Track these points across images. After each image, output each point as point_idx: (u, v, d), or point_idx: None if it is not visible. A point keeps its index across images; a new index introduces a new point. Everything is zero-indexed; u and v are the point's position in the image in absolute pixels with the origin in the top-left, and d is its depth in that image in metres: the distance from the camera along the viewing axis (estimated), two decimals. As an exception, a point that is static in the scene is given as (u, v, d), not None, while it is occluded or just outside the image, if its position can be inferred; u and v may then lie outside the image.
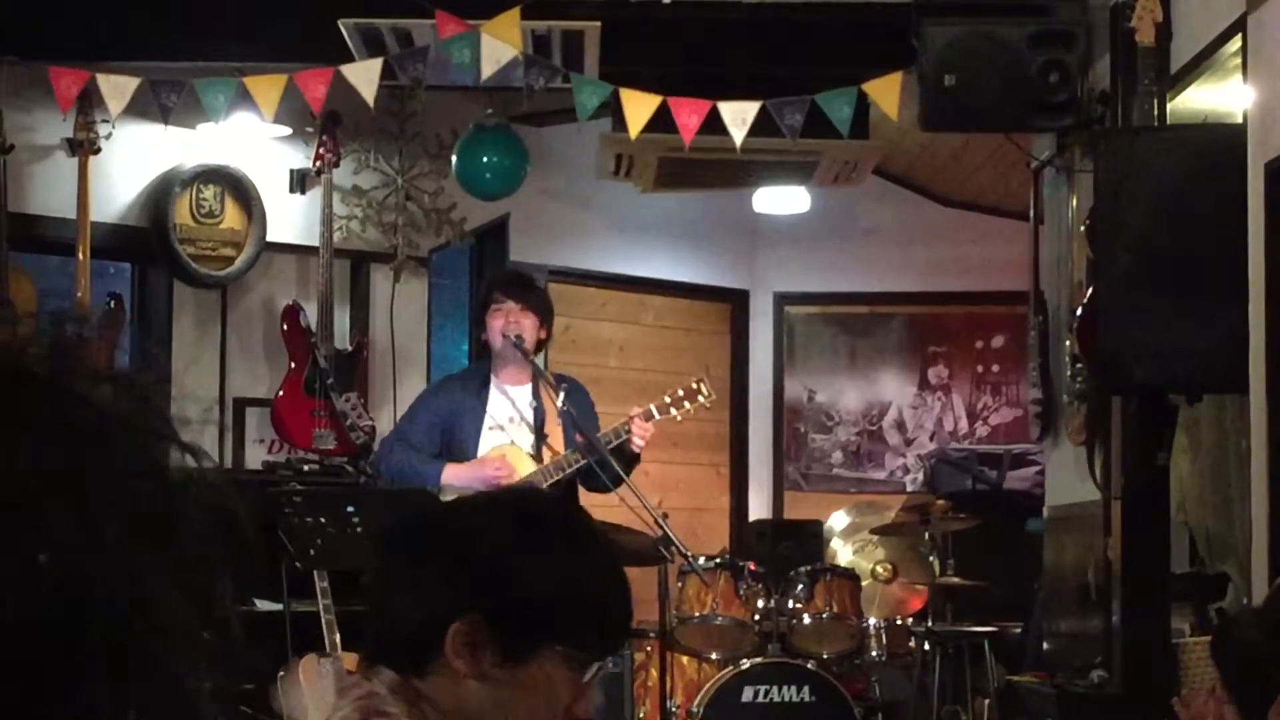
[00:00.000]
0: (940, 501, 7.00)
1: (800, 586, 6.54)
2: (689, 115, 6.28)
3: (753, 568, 6.55)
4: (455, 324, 8.38)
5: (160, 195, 7.21)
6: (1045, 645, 6.86)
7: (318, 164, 7.34)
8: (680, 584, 6.48)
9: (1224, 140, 5.02)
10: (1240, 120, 4.96)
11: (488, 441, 6.03)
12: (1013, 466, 8.37)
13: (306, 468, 7.15)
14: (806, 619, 6.49)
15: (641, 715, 6.48)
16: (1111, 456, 5.90)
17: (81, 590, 0.73)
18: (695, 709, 6.21)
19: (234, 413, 7.45)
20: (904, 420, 9.36)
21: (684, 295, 9.18)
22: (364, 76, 6.19)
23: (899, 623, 6.74)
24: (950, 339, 9.38)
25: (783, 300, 9.41)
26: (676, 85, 6.34)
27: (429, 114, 7.64)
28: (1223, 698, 3.08)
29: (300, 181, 7.58)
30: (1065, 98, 5.92)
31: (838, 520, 8.36)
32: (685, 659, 6.51)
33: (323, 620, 5.71)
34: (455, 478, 5.83)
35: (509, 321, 5.99)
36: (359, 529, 5.34)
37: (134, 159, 7.15)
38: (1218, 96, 5.39)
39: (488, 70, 6.13)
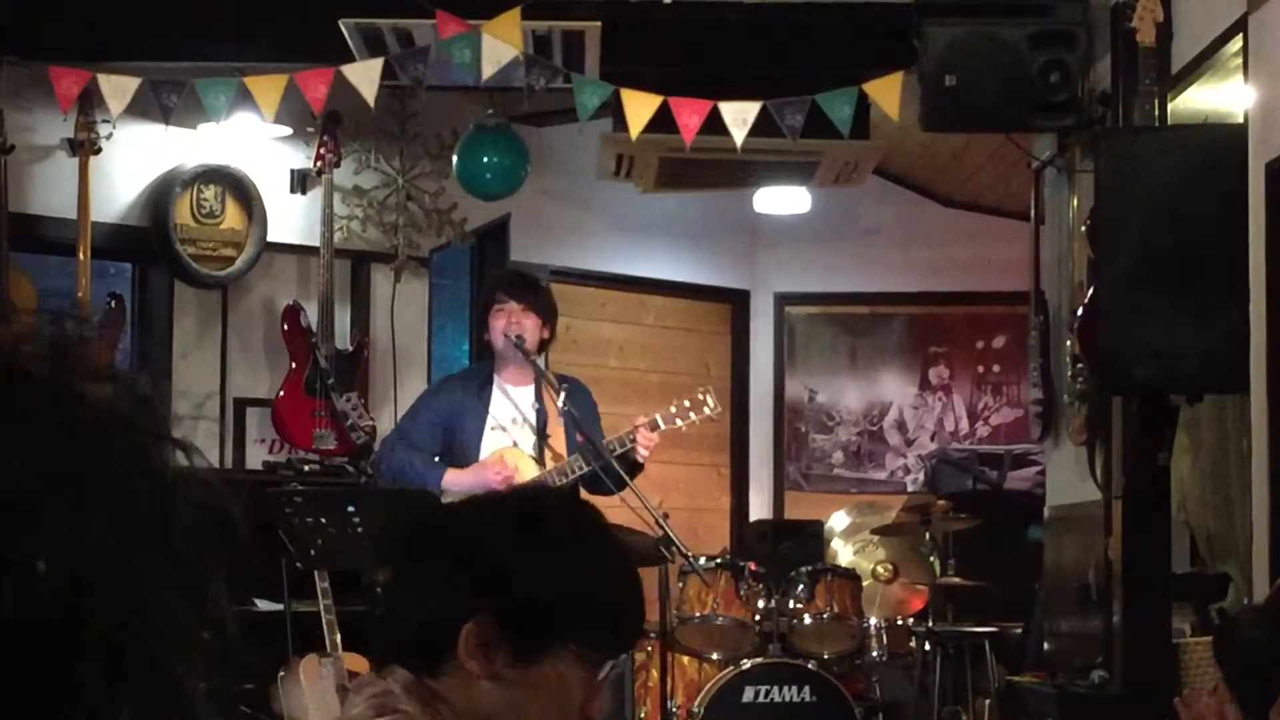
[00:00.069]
0: (941, 502, 7.00)
1: (801, 587, 6.54)
2: (690, 115, 6.28)
3: (753, 568, 6.55)
4: (456, 324, 8.38)
5: (161, 195, 7.21)
6: (1046, 645, 6.86)
7: (318, 164, 7.34)
8: (681, 584, 6.48)
9: (1225, 140, 5.02)
10: (1241, 120, 4.96)
11: (489, 442, 6.02)
12: (1013, 467, 8.37)
13: (307, 468, 7.15)
14: (807, 619, 6.48)
15: (642, 715, 6.47)
16: (1112, 456, 5.89)
17: (80, 591, 0.73)
18: (696, 709, 6.21)
19: (234, 413, 7.45)
20: (905, 420, 9.35)
21: (685, 295, 9.17)
22: (365, 76, 6.19)
23: (900, 623, 6.74)
24: (951, 339, 9.38)
25: (783, 300, 9.41)
26: (677, 85, 6.34)
27: (430, 114, 7.64)
28: (1225, 696, 3.08)
29: (301, 181, 7.58)
30: (1066, 98, 5.92)
31: (838, 520, 8.36)
32: (686, 659, 6.51)
33: (323, 620, 5.71)
34: (456, 483, 5.82)
35: (510, 322, 5.98)
36: (359, 529, 5.34)
37: (134, 159, 7.15)
38: (1218, 96, 5.39)
39: (488, 70, 6.13)
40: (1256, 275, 4.71)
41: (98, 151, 6.83)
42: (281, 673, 5.66)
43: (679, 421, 6.07)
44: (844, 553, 8.12)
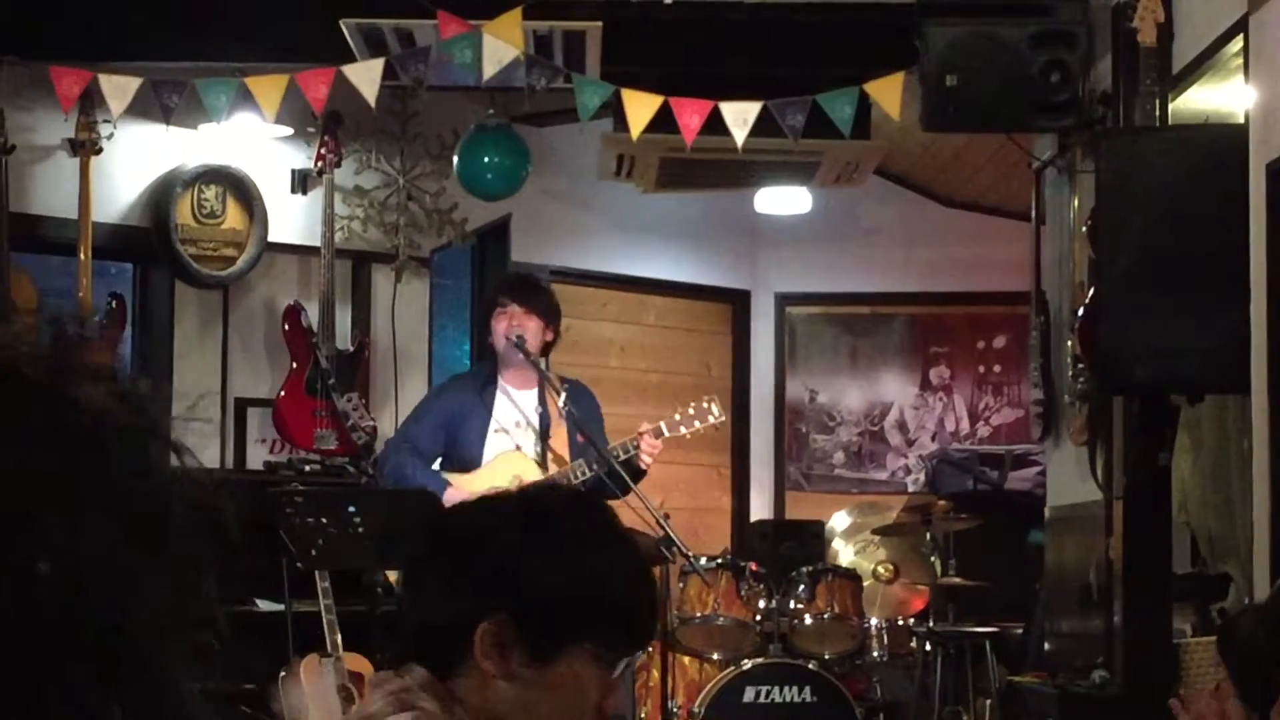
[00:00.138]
0: (942, 502, 7.01)
1: (802, 587, 6.54)
2: (690, 115, 6.28)
3: (754, 568, 6.55)
4: (457, 324, 8.39)
5: (162, 195, 7.21)
6: (1047, 645, 6.86)
7: (319, 164, 7.34)
8: (682, 584, 6.48)
9: (1225, 140, 5.02)
10: (1242, 120, 4.96)
11: (492, 445, 6.02)
12: (1014, 467, 8.37)
13: (308, 468, 7.15)
14: (808, 619, 6.48)
15: (643, 715, 6.47)
16: (1113, 457, 5.89)
17: (75, 593, 0.72)
18: (697, 709, 6.21)
19: (235, 413, 7.45)
20: (905, 421, 9.35)
21: (685, 296, 9.17)
22: (365, 77, 6.19)
23: (900, 623, 6.74)
24: (952, 339, 9.38)
25: (784, 300, 9.41)
26: (678, 85, 6.34)
27: (430, 114, 7.64)
28: (1229, 693, 3.08)
29: (302, 182, 7.58)
30: (1067, 98, 5.92)
31: (839, 521, 8.36)
32: (687, 659, 6.51)
33: (324, 620, 5.71)
34: (457, 500, 5.82)
35: (512, 324, 5.98)
36: (360, 529, 5.33)
37: (135, 159, 7.15)
38: (1219, 97, 5.39)
39: (489, 70, 6.13)
40: (1257, 275, 4.71)
41: (99, 151, 6.83)
42: (282, 673, 5.66)
43: (683, 430, 6.07)
44: (845, 553, 8.12)
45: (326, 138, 7.30)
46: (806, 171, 7.85)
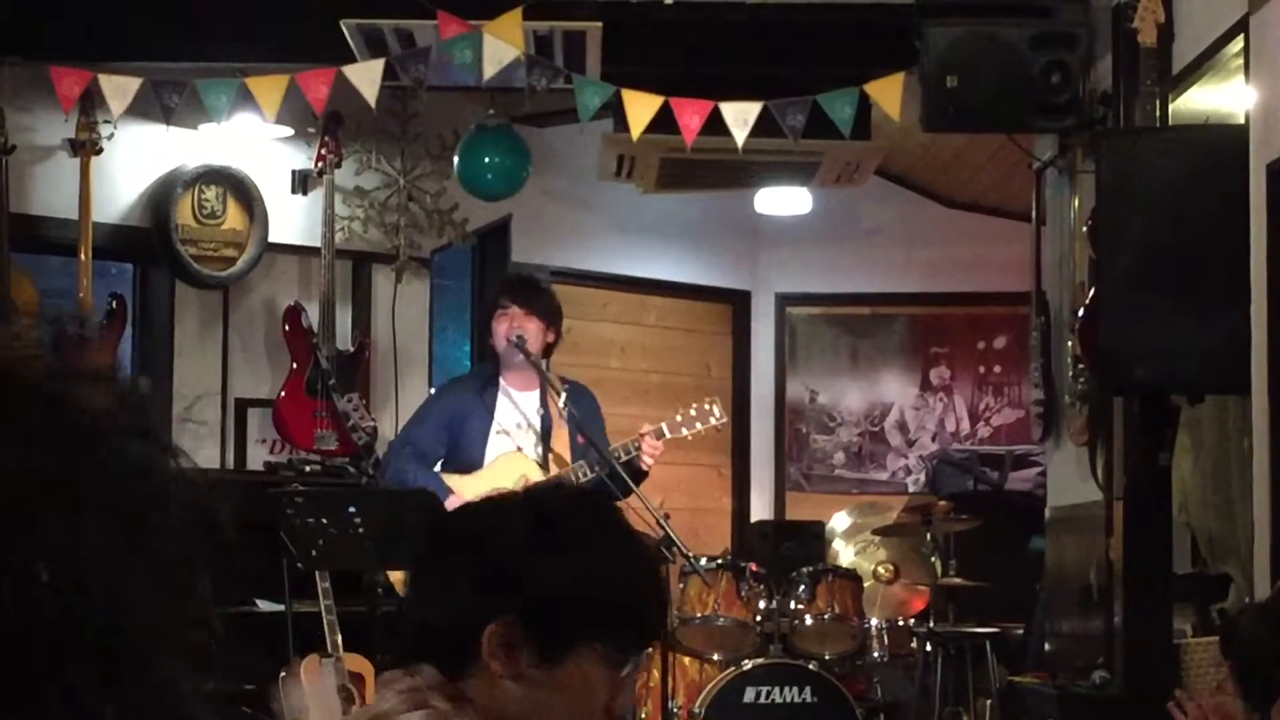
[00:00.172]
0: (942, 502, 7.01)
1: (802, 587, 6.54)
2: (691, 116, 6.28)
3: (754, 568, 6.55)
4: (457, 325, 8.39)
5: (162, 196, 7.21)
6: (1047, 646, 6.86)
7: (319, 164, 7.34)
8: (682, 585, 6.48)
9: (1226, 141, 5.02)
10: (1242, 121, 4.96)
11: (494, 446, 6.01)
12: (1014, 467, 8.37)
13: (308, 468, 7.15)
14: (808, 620, 6.48)
15: (643, 716, 6.47)
16: (1113, 457, 5.89)
17: (74, 594, 0.72)
18: (697, 710, 6.21)
19: (236, 413, 7.45)
20: (906, 421, 9.35)
21: (685, 296, 9.18)
22: (366, 77, 6.19)
23: (901, 624, 6.74)
24: (952, 340, 9.38)
25: (784, 301, 9.41)
26: (678, 86, 6.34)
27: (431, 114, 7.64)
28: (1230, 692, 3.08)
29: (302, 182, 7.58)
30: (1067, 98, 5.92)
31: (839, 521, 8.36)
32: (687, 660, 6.51)
33: (324, 621, 5.71)
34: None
35: (513, 326, 5.98)
36: (361, 530, 5.33)
37: (136, 159, 7.15)
38: (1220, 97, 5.39)
39: (489, 71, 6.13)
40: (1257, 276, 4.71)
41: (99, 152, 6.83)
42: (282, 673, 5.66)
43: (685, 431, 6.07)
44: (845, 553, 8.12)
45: (327, 138, 7.30)
46: (807, 172, 7.85)
